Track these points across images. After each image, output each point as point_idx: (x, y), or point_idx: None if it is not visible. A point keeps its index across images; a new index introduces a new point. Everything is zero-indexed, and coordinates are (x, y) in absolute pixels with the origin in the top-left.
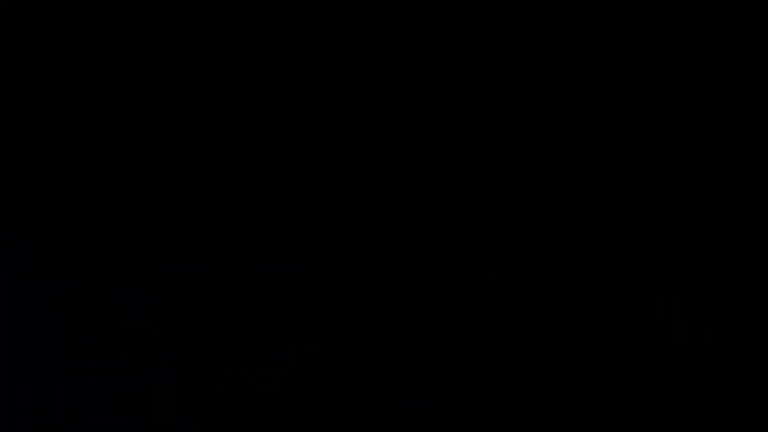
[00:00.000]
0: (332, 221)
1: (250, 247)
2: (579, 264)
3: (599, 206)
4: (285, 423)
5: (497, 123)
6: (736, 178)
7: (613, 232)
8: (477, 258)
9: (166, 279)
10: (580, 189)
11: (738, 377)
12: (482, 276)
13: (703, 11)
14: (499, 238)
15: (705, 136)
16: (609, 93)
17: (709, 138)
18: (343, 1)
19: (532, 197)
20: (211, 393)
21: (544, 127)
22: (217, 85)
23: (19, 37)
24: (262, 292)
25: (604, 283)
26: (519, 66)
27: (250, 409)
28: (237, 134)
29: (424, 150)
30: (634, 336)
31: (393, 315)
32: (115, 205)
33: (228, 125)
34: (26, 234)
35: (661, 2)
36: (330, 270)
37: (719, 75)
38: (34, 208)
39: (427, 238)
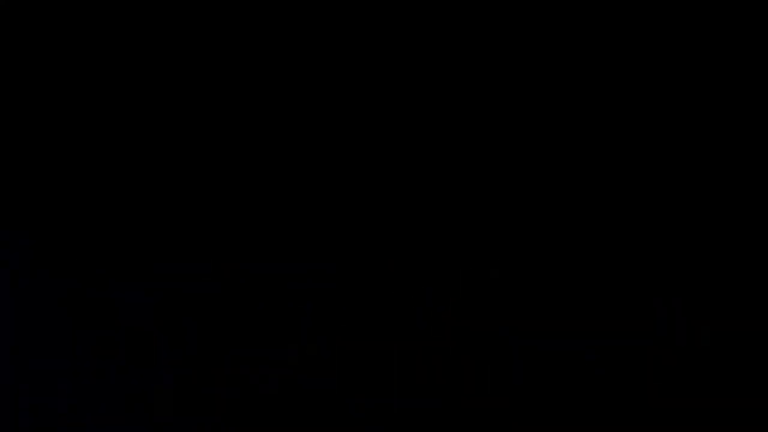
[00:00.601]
0: (332, 221)
1: (250, 247)
2: (579, 264)
3: (599, 206)
4: (285, 423)
5: (497, 123)
6: (736, 178)
7: (612, 233)
8: (477, 258)
9: (166, 279)
10: (580, 189)
11: (738, 377)
12: (482, 276)
13: (703, 11)
14: (499, 238)
15: (705, 136)
16: (609, 93)
17: (709, 138)
18: (343, 1)
19: (531, 197)
20: (211, 393)
21: (544, 127)
22: (217, 85)
23: (19, 37)
24: (262, 292)
25: (604, 283)
26: (519, 66)
27: (250, 409)
28: (237, 134)
29: (423, 150)
30: (634, 336)
31: (393, 315)
32: (114, 205)
33: (228, 125)
34: (26, 234)
35: (661, 2)
36: (330, 270)
37: (719, 75)
38: (34, 208)
39: (427, 238)
